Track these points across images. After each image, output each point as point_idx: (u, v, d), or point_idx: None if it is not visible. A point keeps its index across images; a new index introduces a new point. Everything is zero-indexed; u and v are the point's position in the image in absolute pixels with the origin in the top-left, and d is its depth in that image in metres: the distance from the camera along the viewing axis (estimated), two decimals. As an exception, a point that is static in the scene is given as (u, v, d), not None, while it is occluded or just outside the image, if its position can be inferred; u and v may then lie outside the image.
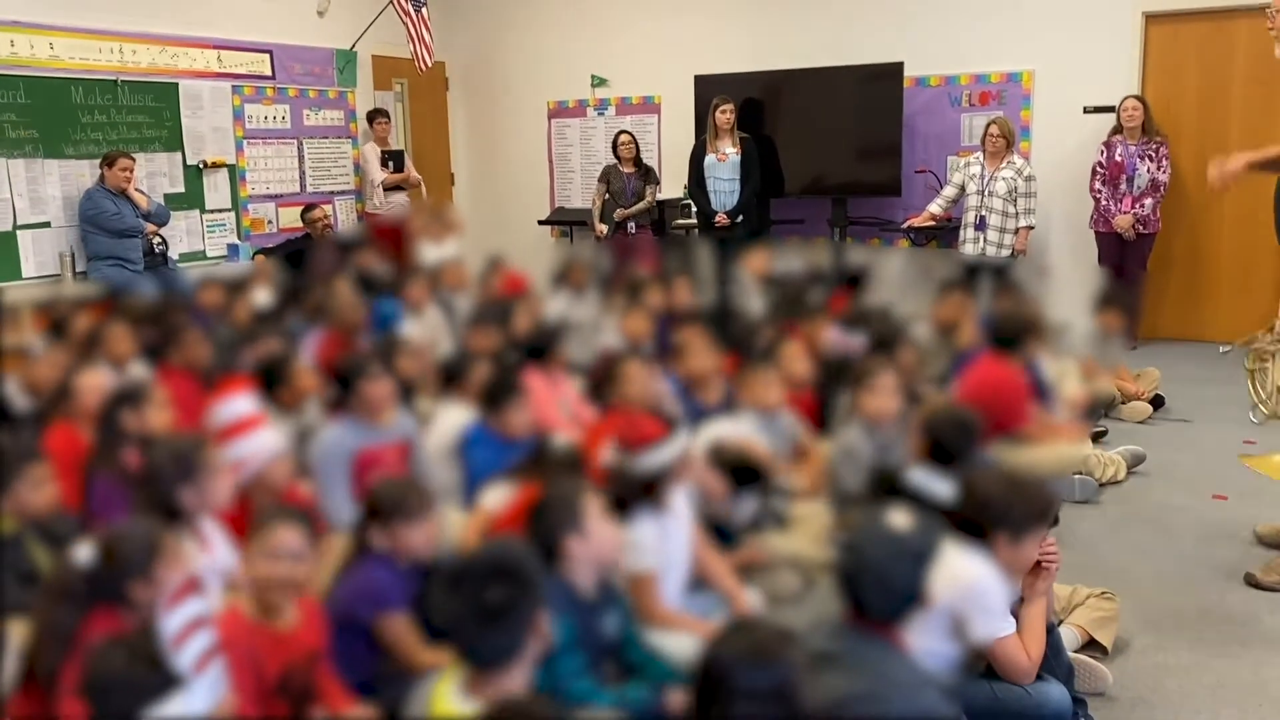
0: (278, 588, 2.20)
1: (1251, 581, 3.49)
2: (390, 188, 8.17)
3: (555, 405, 3.88)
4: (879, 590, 2.08)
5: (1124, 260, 6.68)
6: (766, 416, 3.62)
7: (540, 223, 9.13)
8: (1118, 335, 4.82)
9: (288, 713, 2.19)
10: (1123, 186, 6.57)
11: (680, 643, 2.47)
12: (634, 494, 2.69)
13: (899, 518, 2.21)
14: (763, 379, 3.66)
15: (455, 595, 1.88)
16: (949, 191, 6.91)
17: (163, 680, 1.61)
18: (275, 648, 2.17)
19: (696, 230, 7.86)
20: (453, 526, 3.10)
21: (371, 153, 8.28)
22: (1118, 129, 6.65)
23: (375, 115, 8.41)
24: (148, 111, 7.13)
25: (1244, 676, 2.92)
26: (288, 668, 2.18)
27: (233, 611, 2.18)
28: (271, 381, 3.57)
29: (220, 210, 7.68)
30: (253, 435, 2.81)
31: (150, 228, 6.63)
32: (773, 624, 1.79)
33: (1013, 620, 2.45)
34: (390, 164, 8.24)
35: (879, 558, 2.09)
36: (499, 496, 2.97)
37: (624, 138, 7.77)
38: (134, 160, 6.59)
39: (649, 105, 8.84)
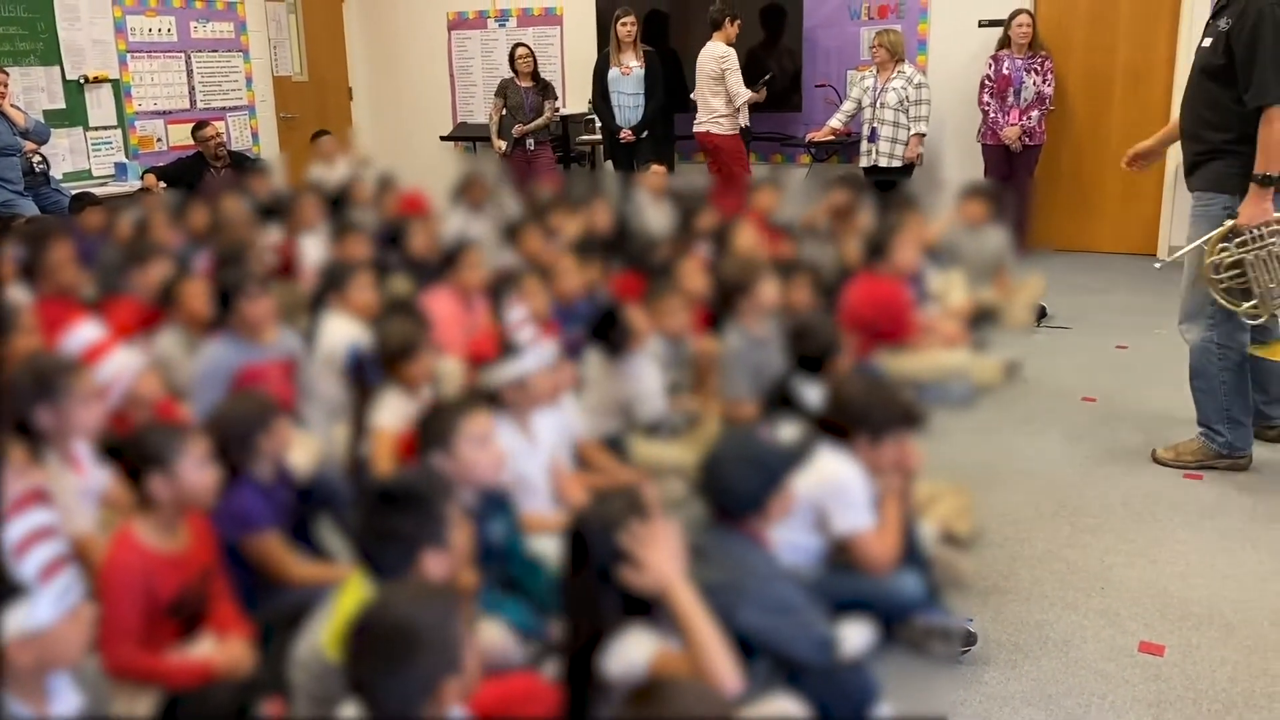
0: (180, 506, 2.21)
1: (1156, 459, 3.82)
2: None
3: (456, 328, 3.86)
4: (723, 490, 2.23)
5: (1012, 171, 6.84)
6: (673, 342, 3.68)
7: (443, 138, 8.99)
8: (982, 226, 5.06)
9: (176, 633, 2.21)
10: (1010, 99, 6.69)
11: (551, 545, 2.57)
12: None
13: (784, 430, 2.34)
14: (668, 305, 3.69)
15: (360, 512, 2.09)
16: (848, 106, 6.96)
17: (2, 590, 1.61)
18: (170, 570, 2.18)
19: (601, 145, 7.82)
20: (337, 443, 3.13)
21: (733, 59, 6.68)
22: (1005, 43, 6.74)
23: (727, 13, 6.71)
24: (20, 23, 6.79)
25: (1091, 565, 3.12)
26: (183, 588, 2.19)
27: (124, 534, 2.17)
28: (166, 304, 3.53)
29: (105, 128, 7.40)
30: (108, 359, 2.77)
31: (29, 146, 6.37)
32: (631, 494, 1.89)
33: (873, 515, 2.58)
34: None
35: (727, 461, 2.22)
36: (392, 414, 2.98)
37: (521, 51, 7.59)
38: (7, 75, 6.28)
39: (551, 17, 8.69)
